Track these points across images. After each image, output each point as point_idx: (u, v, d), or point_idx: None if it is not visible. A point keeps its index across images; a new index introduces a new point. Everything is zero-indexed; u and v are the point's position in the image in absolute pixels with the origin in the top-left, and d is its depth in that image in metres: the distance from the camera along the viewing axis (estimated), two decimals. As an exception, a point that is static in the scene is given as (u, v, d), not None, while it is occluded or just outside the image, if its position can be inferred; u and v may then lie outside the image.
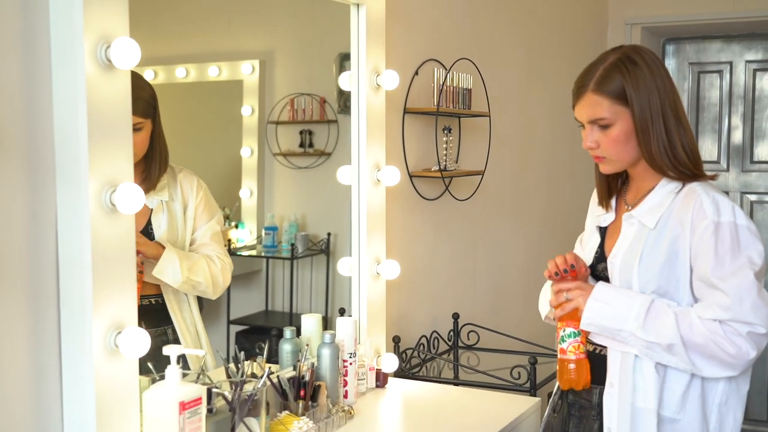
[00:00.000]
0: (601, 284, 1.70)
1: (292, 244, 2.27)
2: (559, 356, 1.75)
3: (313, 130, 2.31)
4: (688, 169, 1.66)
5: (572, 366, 1.73)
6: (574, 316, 1.71)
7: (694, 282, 1.64)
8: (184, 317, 1.87)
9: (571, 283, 1.72)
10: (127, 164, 1.41)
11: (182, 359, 1.72)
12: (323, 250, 2.34)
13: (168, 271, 1.80)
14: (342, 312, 2.24)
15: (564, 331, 1.73)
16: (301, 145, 2.30)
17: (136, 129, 1.72)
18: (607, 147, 1.68)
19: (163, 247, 1.80)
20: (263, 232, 2.21)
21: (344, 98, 2.30)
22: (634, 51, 1.70)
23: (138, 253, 1.51)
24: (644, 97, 1.64)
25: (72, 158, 1.35)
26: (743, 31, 4.46)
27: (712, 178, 1.71)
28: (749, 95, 4.54)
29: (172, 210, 1.89)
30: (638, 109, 1.64)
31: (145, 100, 1.74)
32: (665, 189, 1.69)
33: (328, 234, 2.34)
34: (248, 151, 2.19)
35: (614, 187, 1.81)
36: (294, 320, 2.23)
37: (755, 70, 4.52)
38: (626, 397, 1.67)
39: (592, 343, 1.74)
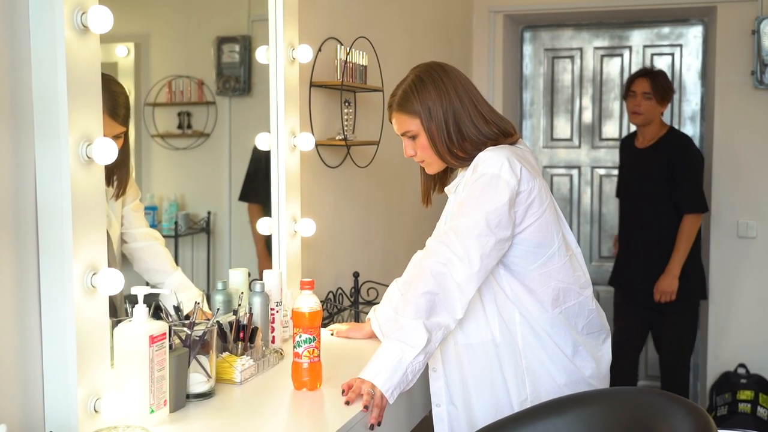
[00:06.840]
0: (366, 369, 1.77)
1: (176, 223, 2.29)
2: (294, 359, 1.85)
3: (192, 111, 2.32)
4: (471, 156, 1.92)
5: (305, 367, 1.84)
6: (312, 323, 1.82)
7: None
8: None
9: (353, 381, 1.77)
10: (98, 120, 1.51)
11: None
12: (204, 228, 2.37)
13: None
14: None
15: (300, 336, 1.82)
16: (180, 126, 2.31)
17: (117, 137, 1.76)
18: (421, 153, 1.98)
19: None
20: (143, 212, 2.17)
21: (223, 80, 2.39)
22: (426, 71, 1.97)
23: None
24: (428, 112, 1.93)
25: (52, 115, 1.44)
26: (592, 20, 4.79)
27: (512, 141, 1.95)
28: (597, 78, 4.85)
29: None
30: (425, 121, 1.93)
31: (125, 107, 1.76)
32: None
33: (208, 213, 2.38)
34: (124, 133, 2.15)
35: (440, 184, 2.09)
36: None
37: (602, 56, 4.84)
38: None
39: None
